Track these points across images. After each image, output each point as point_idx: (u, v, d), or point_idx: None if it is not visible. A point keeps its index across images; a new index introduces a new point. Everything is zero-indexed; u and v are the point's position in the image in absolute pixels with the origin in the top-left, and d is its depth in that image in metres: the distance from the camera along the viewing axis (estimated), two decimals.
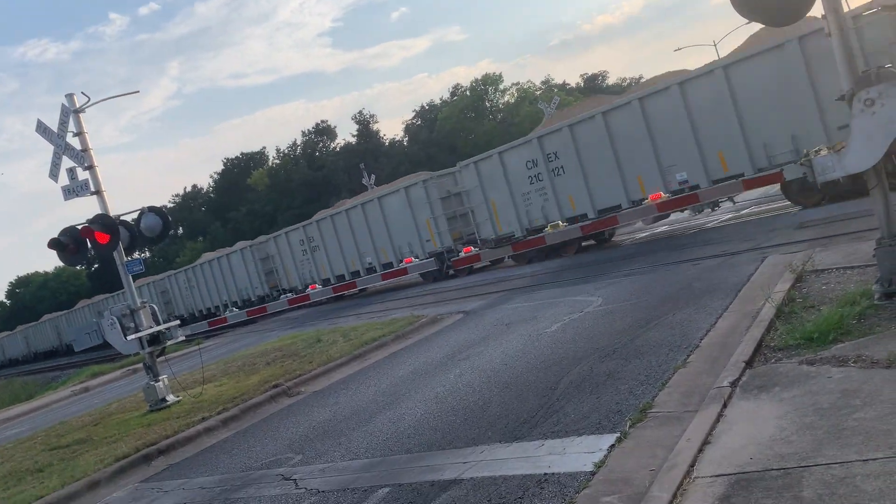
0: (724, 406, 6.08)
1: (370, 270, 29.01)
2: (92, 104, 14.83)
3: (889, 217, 7.80)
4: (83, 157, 14.52)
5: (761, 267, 11.87)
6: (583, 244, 23.09)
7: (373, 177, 48.36)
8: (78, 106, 14.56)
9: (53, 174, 14.75)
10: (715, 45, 61.48)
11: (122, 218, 15.01)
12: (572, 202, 21.81)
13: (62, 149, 14.56)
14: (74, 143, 14.58)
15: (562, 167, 21.76)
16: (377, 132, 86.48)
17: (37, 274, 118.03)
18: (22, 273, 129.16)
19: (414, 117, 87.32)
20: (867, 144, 7.39)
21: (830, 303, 8.15)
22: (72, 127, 14.53)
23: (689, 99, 18.72)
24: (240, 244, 38.68)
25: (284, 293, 32.85)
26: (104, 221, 14.33)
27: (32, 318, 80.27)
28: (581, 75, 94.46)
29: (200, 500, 8.17)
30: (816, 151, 8.01)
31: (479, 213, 24.38)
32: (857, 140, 7.46)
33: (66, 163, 14.63)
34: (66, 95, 14.63)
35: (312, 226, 31.51)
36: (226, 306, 36.49)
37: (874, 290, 7.84)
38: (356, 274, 29.65)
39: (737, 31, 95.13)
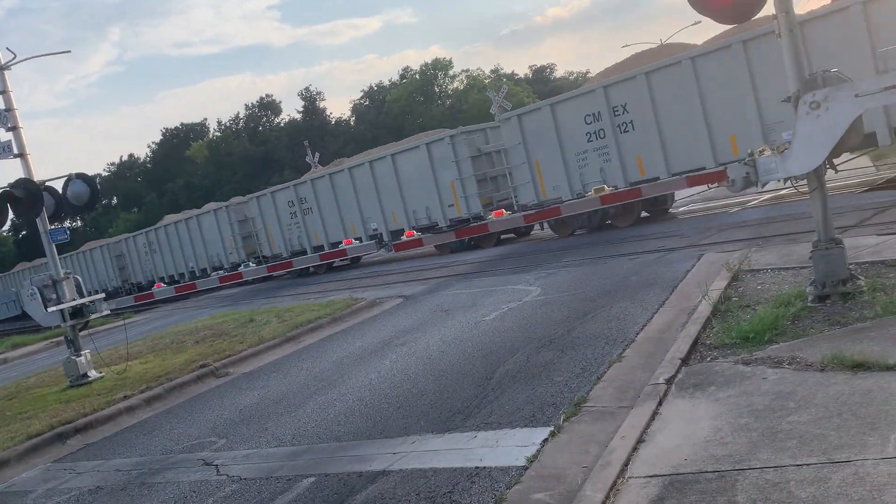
0: (660, 403, 6.02)
1: (374, 237, 25.72)
2: (18, 61, 14.01)
3: (826, 221, 7.88)
4: (7, 116, 13.71)
5: (698, 264, 11.97)
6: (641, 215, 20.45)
7: (317, 155, 47.35)
8: (3, 62, 13.73)
9: None
10: (662, 44, 62.64)
11: (47, 184, 14.26)
12: (640, 164, 19.08)
13: None
14: None
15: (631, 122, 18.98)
16: (323, 110, 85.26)
17: None
18: None
19: (362, 97, 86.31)
20: (810, 147, 7.42)
21: (766, 303, 8.20)
22: None
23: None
24: (211, 205, 36.13)
25: (267, 261, 29.75)
26: (27, 186, 13.59)
27: None
28: (530, 66, 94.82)
29: (115, 483, 7.78)
30: (760, 151, 8.03)
31: (518, 175, 21.43)
32: (800, 142, 7.48)
33: None
34: None
35: (306, 185, 28.12)
36: (192, 274, 33.13)
37: (808, 292, 7.92)
38: (357, 240, 26.17)
39: (683, 32, 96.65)
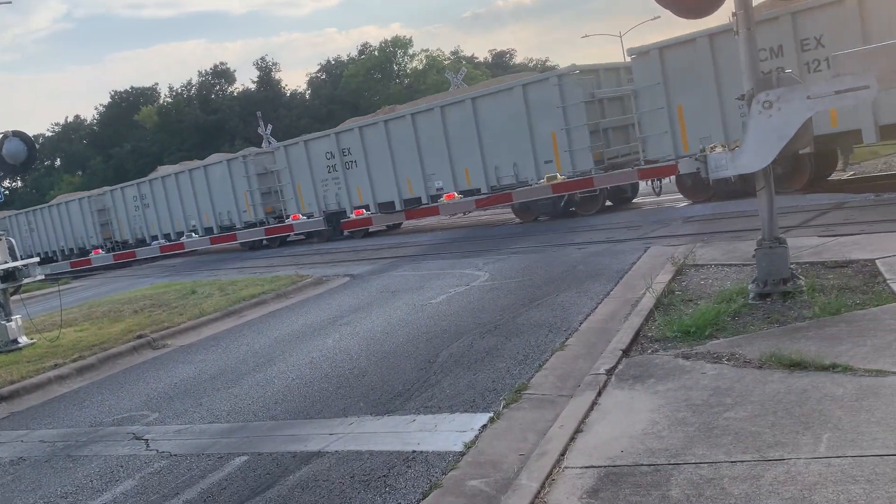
0: (599, 394, 6.02)
1: (191, 234, 29.92)
2: None
3: (772, 220, 7.98)
4: None
5: (644, 256, 12.09)
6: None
7: (269, 127, 46.58)
8: None
9: None
10: (621, 37, 63.09)
11: None
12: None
13: None
14: None
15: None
16: (279, 81, 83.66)
17: None
18: None
19: (319, 71, 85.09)
20: (761, 146, 7.48)
21: (708, 298, 8.30)
22: None
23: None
24: (218, 155, 34.88)
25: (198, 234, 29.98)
26: None
27: None
28: (490, 51, 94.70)
29: (39, 454, 7.50)
30: (712, 148, 8.08)
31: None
32: (752, 141, 7.54)
33: None
34: None
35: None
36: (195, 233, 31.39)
37: (750, 289, 8.03)
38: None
39: (642, 26, 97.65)
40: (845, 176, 18.27)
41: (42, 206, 39.84)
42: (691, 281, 9.53)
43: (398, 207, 23.18)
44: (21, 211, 41.39)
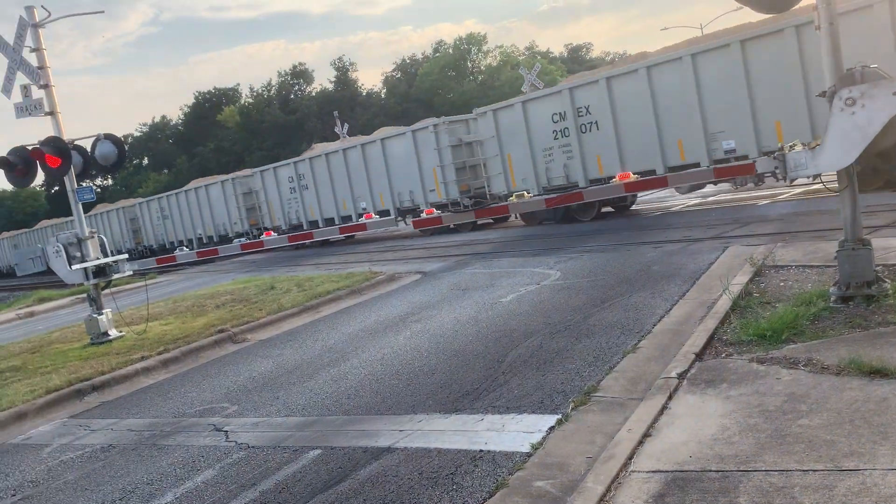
0: (670, 398, 5.96)
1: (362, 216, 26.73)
2: (53, 19, 14.09)
3: (855, 220, 7.70)
4: (39, 74, 13.82)
5: (722, 257, 11.81)
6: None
7: (346, 126, 47.35)
8: (38, 20, 13.81)
9: (6, 90, 14.04)
10: (702, 29, 61.32)
11: (76, 143, 14.40)
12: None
13: (17, 64, 13.82)
14: (31, 59, 13.85)
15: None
16: (355, 81, 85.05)
17: None
18: None
19: (394, 70, 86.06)
20: (843, 144, 7.23)
21: (787, 301, 8.07)
22: (30, 42, 13.79)
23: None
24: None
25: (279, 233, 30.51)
26: (56, 144, 13.71)
27: None
28: (566, 45, 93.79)
29: (127, 442, 7.90)
30: (791, 146, 7.85)
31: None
32: (833, 139, 7.29)
33: (21, 79, 13.94)
34: (25, 8, 13.85)
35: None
36: (200, 241, 34.38)
37: (831, 292, 7.78)
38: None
39: (725, 17, 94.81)
40: None
41: (178, 190, 37.93)
42: (770, 282, 9.28)
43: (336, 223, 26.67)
44: (153, 197, 40.43)
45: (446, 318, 11.05)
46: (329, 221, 28.56)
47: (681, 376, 6.38)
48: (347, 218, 27.82)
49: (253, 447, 6.92)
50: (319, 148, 33.41)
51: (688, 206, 20.62)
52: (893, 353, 5.82)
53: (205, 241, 34.45)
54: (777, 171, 7.78)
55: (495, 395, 7.05)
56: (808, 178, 7.70)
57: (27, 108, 13.97)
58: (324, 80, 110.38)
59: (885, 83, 6.99)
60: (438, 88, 76.62)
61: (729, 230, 14.50)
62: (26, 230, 58.89)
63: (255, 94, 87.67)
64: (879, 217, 12.35)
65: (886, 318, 6.84)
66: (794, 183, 16.52)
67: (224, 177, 35.39)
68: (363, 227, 26.17)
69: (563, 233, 19.47)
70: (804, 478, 4.21)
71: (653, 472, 4.70)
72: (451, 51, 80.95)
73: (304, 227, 29.22)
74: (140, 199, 40.95)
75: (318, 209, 29.05)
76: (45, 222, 58.16)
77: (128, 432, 8.29)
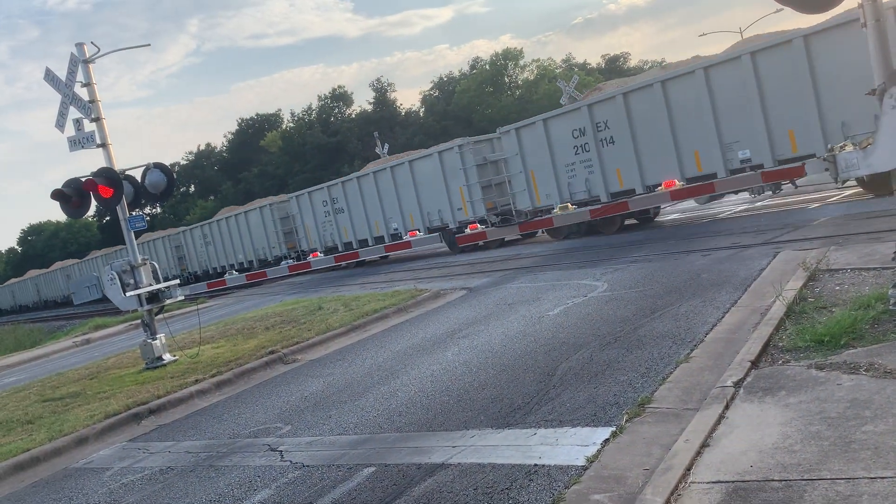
0: (727, 407, 5.84)
1: (395, 237, 27.61)
2: (102, 55, 14.56)
3: None
4: (90, 108, 14.28)
5: (773, 262, 11.57)
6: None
7: (386, 146, 47.88)
8: (88, 56, 14.29)
9: (60, 124, 14.54)
10: (741, 33, 60.40)
11: (126, 172, 14.82)
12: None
13: (69, 99, 14.33)
14: (83, 93, 14.35)
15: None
16: (394, 101, 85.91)
17: (48, 223, 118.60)
18: (34, 221, 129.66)
19: (431, 88, 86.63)
20: (895, 143, 7.05)
21: (843, 305, 7.87)
22: (81, 77, 14.29)
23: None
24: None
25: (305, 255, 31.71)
26: (108, 175, 14.13)
27: (42, 266, 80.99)
28: (602, 56, 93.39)
29: (185, 464, 8.04)
30: (842, 147, 7.68)
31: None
32: (885, 138, 7.11)
33: (74, 114, 14.43)
34: (75, 45, 14.38)
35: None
36: (234, 266, 35.89)
37: (890, 294, 7.54)
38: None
39: (764, 20, 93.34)
40: None
41: (219, 217, 39.01)
42: (825, 287, 9.06)
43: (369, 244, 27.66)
44: (196, 225, 41.76)
45: (494, 332, 11.02)
46: (362, 243, 29.15)
47: (737, 385, 6.26)
48: (380, 239, 28.36)
49: (308, 466, 6.97)
50: (370, 167, 33.63)
51: (735, 213, 20.27)
52: None
53: (245, 266, 35.24)
54: (828, 171, 7.62)
55: (547, 409, 7.00)
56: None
57: (80, 142, 14.45)
58: (363, 101, 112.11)
59: None
60: (476, 105, 76.92)
61: (779, 235, 14.21)
62: (78, 261, 60.80)
63: (296, 118, 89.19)
64: None
65: None
66: (845, 184, 16.17)
67: (262, 202, 36.19)
68: (408, 244, 26.48)
69: (607, 244, 19.30)
70: (872, 485, 4.08)
71: (713, 482, 4.61)
72: (487, 67, 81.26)
73: (340, 249, 29.98)
74: (184, 228, 42.07)
75: (351, 231, 29.64)
76: (95, 252, 60.01)
77: (185, 454, 8.44)
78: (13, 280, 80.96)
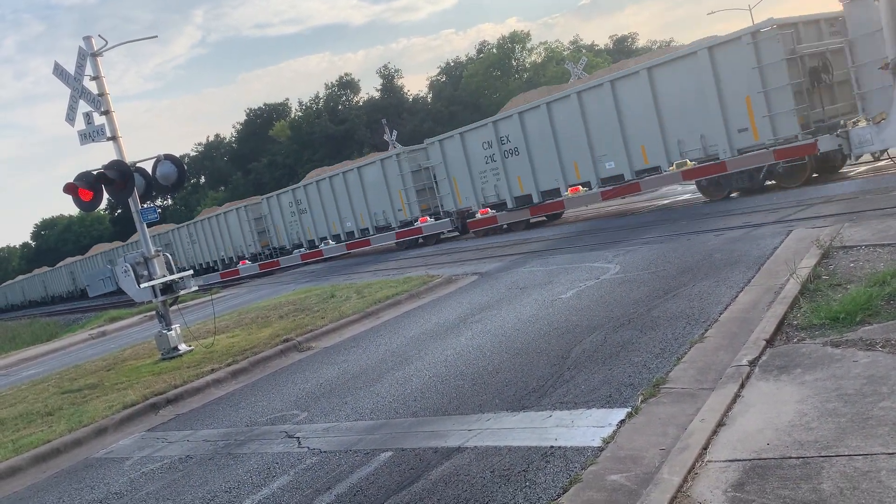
0: (742, 386, 5.84)
1: (348, 236, 30.98)
2: (109, 48, 14.59)
3: None
4: (100, 101, 14.32)
5: (786, 240, 11.51)
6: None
7: (395, 133, 47.82)
8: (95, 49, 14.32)
9: (70, 118, 14.60)
10: (750, 10, 59.57)
11: (138, 165, 14.87)
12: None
13: (79, 93, 14.36)
14: (91, 87, 14.38)
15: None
16: (401, 87, 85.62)
17: (61, 217, 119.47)
18: (47, 216, 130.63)
19: (439, 74, 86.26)
20: None
21: (858, 282, 7.82)
22: (89, 71, 14.32)
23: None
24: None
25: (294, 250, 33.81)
26: (119, 168, 14.18)
27: (56, 259, 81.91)
28: (610, 37, 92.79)
29: (203, 452, 8.12)
30: (855, 122, 7.61)
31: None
32: None
33: (83, 107, 14.48)
34: (83, 38, 14.40)
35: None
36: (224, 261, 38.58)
37: None
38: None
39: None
40: None
41: (202, 217, 42.27)
42: (839, 264, 9.01)
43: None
44: (183, 224, 44.86)
45: (507, 316, 11.04)
46: (322, 240, 32.44)
47: (752, 363, 6.25)
48: (336, 237, 31.71)
49: (325, 452, 7.03)
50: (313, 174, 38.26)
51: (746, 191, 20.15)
52: None
53: (226, 263, 38.74)
54: (841, 147, 7.56)
55: (562, 391, 7.02)
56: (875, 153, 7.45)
57: (90, 135, 14.51)
58: (370, 88, 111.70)
59: None
60: (485, 89, 76.59)
61: (792, 213, 14.12)
62: (80, 257, 61.76)
63: (304, 107, 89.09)
64: None
65: None
66: (858, 160, 16.02)
67: (238, 204, 40.00)
68: (419, 231, 26.89)
69: (620, 225, 19.24)
70: (890, 461, 4.08)
71: (730, 461, 4.62)
72: (494, 50, 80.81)
73: (305, 248, 33.24)
74: (174, 226, 45.21)
75: (314, 229, 32.82)
76: (97, 247, 60.97)
77: (203, 443, 8.52)
78: (22, 276, 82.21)
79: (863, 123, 7.54)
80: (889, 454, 4.15)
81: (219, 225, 38.96)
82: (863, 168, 17.92)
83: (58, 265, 68.00)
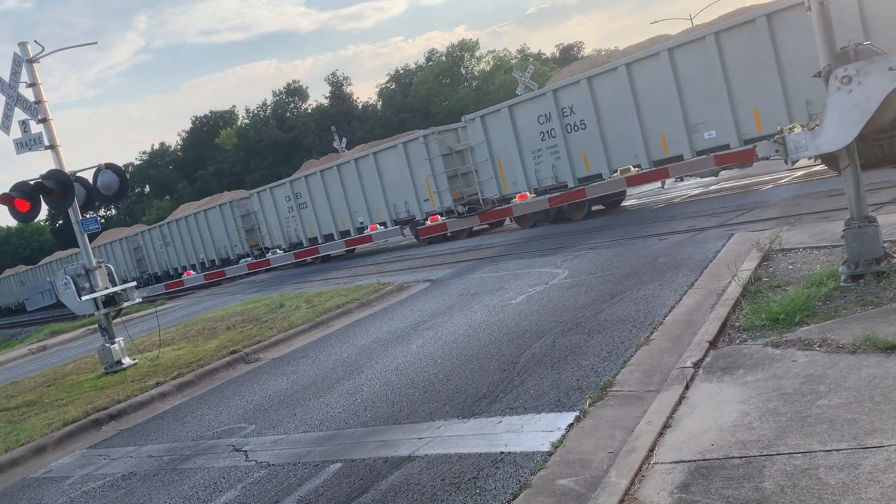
0: (687, 387, 5.94)
1: (360, 230, 27.27)
2: (46, 54, 14.17)
3: (860, 198, 7.68)
4: (37, 109, 13.90)
5: (728, 244, 11.79)
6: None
7: (344, 140, 47.49)
8: (32, 55, 13.90)
9: (5, 126, 14.14)
10: (691, 19, 61.25)
11: (78, 175, 14.47)
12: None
13: (14, 100, 13.93)
14: (28, 94, 13.95)
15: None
16: (350, 95, 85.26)
17: None
18: None
19: (388, 81, 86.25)
20: (842, 123, 7.22)
21: (797, 283, 8.05)
22: (25, 77, 13.89)
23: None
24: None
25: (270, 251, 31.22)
26: (58, 177, 13.76)
27: None
28: (557, 45, 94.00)
29: (147, 468, 7.91)
30: (791, 128, 7.83)
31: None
32: (832, 118, 7.28)
33: (19, 115, 14.03)
34: (18, 44, 13.97)
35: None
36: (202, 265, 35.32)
37: (840, 271, 7.75)
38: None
39: (714, 6, 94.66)
40: None
41: (178, 216, 37.59)
42: (779, 266, 9.26)
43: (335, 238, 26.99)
44: (154, 225, 40.45)
45: (458, 323, 11.04)
46: (328, 237, 28.74)
47: (696, 365, 6.36)
48: (346, 233, 27.92)
49: (273, 465, 6.91)
50: (311, 165, 33.51)
51: (690, 197, 20.59)
52: None
53: (207, 266, 34.70)
54: (778, 153, 7.77)
55: (512, 397, 7.04)
56: (810, 159, 7.67)
57: (27, 144, 14.06)
58: (319, 96, 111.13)
59: (881, 59, 6.99)
60: (434, 97, 76.76)
61: (733, 217, 14.47)
62: (32, 267, 59.32)
63: (251, 114, 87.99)
64: (883, 194, 12.32)
65: None
66: (796, 165, 16.53)
67: (222, 199, 35.52)
68: (369, 238, 26.42)
69: (567, 231, 19.45)
70: (828, 458, 4.19)
71: (676, 462, 4.69)
72: (444, 58, 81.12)
73: (305, 245, 29.60)
74: (143, 228, 41.06)
75: (317, 226, 29.04)
76: (48, 258, 58.68)
77: (148, 458, 8.30)
78: None
79: (798, 129, 7.75)
80: (826, 451, 4.26)
81: (198, 224, 34.60)
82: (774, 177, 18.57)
83: (3, 275, 65.27)
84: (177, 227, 36.52)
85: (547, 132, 20.94)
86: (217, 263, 34.09)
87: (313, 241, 29.35)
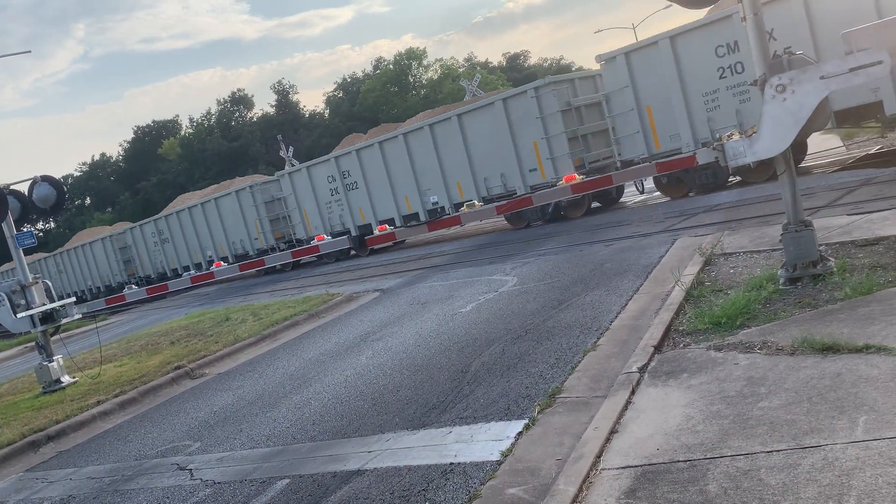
0: (633, 392, 6.00)
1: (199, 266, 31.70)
2: None
3: (796, 203, 7.90)
4: None
5: (672, 249, 12.00)
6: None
7: (291, 149, 46.95)
8: None
9: None
10: (634, 29, 62.61)
11: (11, 187, 14.02)
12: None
13: None
14: None
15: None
16: (297, 103, 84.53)
17: None
18: None
19: (335, 89, 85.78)
20: (777, 130, 7.42)
21: (738, 287, 8.22)
22: None
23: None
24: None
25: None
26: None
27: None
28: (503, 54, 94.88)
29: (87, 491, 7.66)
30: (729, 136, 8.02)
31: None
32: (768, 126, 7.48)
33: None
34: None
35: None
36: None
37: (779, 274, 7.95)
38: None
39: (655, 16, 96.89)
40: (873, 150, 17.98)
41: (69, 247, 41.15)
42: (720, 270, 9.45)
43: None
44: (49, 254, 43.07)
45: (408, 333, 10.99)
46: (185, 269, 32.50)
47: (642, 370, 6.44)
48: (199, 265, 32.00)
49: (219, 483, 6.76)
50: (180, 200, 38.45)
51: (636, 202, 20.94)
52: (843, 329, 5.97)
53: (93, 292, 38.06)
54: (718, 160, 7.94)
55: (462, 406, 7.02)
56: (749, 164, 7.86)
57: None
58: (264, 104, 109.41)
59: (813, 68, 7.20)
60: (382, 105, 76.62)
61: (677, 223, 14.76)
62: None
63: (195, 123, 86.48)
64: (819, 198, 12.71)
65: (834, 295, 7.01)
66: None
67: (104, 234, 39.13)
68: (316, 249, 26.27)
69: (517, 238, 19.58)
70: (769, 459, 4.27)
71: (622, 468, 4.73)
72: (391, 66, 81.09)
73: (168, 276, 33.20)
74: (131, 224, 38.84)
75: (177, 260, 33.14)
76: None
77: (88, 480, 8.04)
78: None
79: (736, 137, 7.94)
80: (767, 452, 4.34)
81: (85, 255, 38.46)
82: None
83: None
84: (177, 219, 32.88)
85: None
86: (102, 291, 37.14)
87: (175, 272, 33.04)
